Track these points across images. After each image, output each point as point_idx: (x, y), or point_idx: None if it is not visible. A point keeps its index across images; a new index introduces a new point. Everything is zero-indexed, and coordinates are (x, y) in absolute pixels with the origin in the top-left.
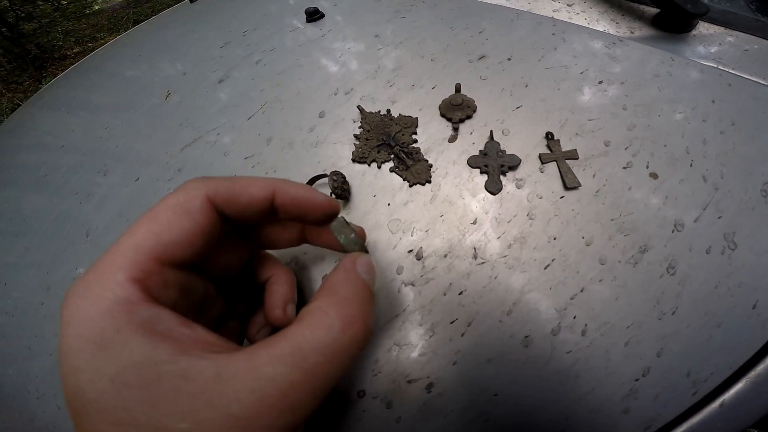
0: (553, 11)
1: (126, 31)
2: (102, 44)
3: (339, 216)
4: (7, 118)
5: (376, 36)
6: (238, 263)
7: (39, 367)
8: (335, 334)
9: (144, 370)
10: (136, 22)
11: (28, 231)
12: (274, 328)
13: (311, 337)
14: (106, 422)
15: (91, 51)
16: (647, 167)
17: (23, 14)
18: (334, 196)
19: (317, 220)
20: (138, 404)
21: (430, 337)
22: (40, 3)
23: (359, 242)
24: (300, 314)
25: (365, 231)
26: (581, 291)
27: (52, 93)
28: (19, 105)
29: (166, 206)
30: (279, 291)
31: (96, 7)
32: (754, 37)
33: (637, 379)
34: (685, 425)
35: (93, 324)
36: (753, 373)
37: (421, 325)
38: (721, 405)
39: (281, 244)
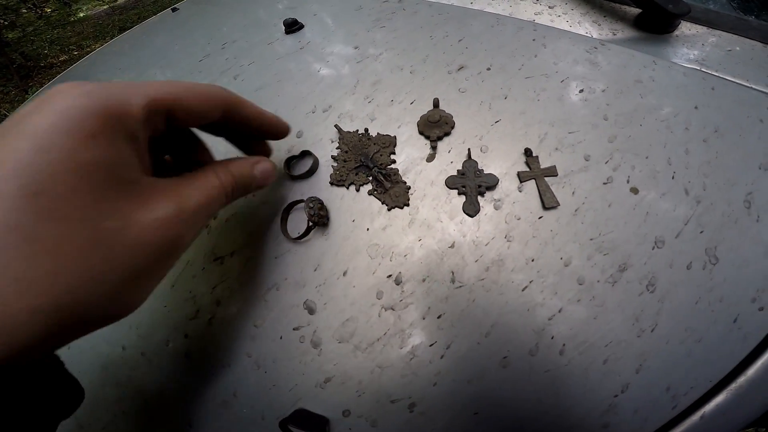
0: (535, 14)
1: (112, 38)
2: (88, 52)
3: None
4: None
5: (356, 48)
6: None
7: None
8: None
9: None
10: (122, 29)
11: None
12: None
13: (208, 182)
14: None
15: (78, 59)
16: (628, 182)
17: (6, 23)
18: (311, 223)
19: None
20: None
21: (411, 359)
22: (24, 11)
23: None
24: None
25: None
26: (559, 312)
27: None
28: (6, 116)
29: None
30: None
31: (80, 15)
32: (736, 36)
33: (616, 396)
34: None
35: (91, 115)
36: (734, 386)
37: (401, 348)
38: (702, 417)
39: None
